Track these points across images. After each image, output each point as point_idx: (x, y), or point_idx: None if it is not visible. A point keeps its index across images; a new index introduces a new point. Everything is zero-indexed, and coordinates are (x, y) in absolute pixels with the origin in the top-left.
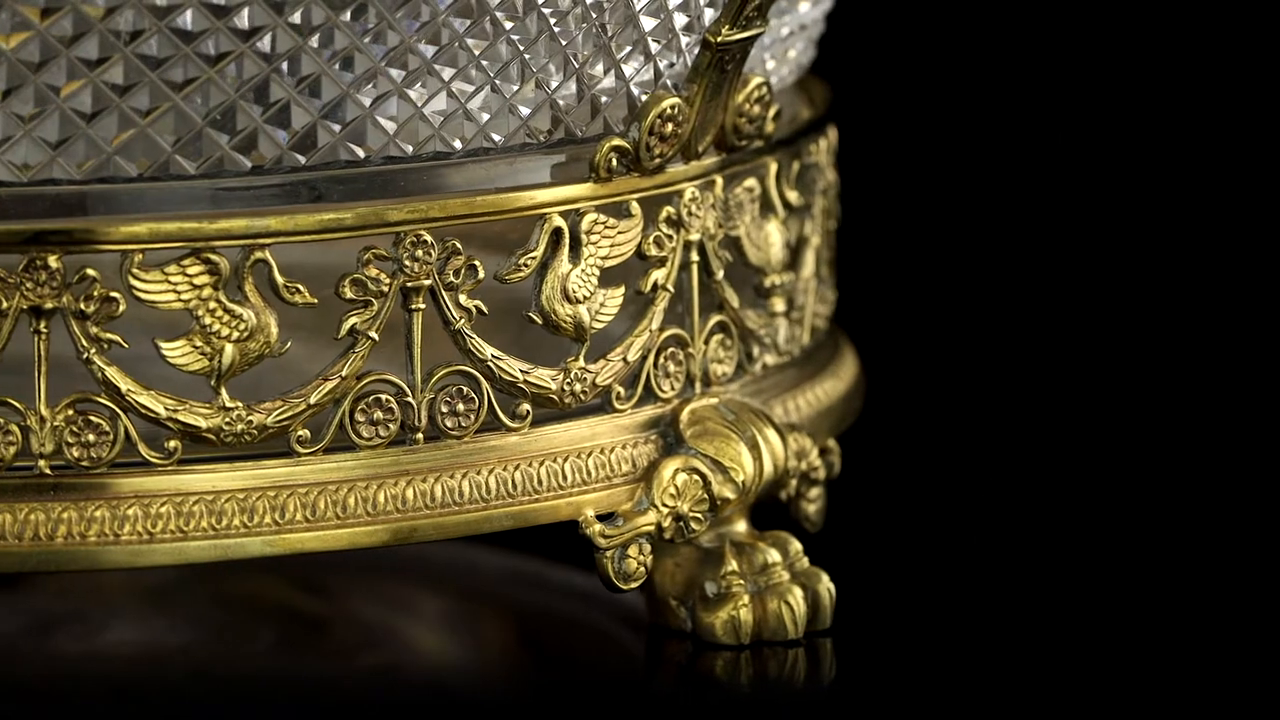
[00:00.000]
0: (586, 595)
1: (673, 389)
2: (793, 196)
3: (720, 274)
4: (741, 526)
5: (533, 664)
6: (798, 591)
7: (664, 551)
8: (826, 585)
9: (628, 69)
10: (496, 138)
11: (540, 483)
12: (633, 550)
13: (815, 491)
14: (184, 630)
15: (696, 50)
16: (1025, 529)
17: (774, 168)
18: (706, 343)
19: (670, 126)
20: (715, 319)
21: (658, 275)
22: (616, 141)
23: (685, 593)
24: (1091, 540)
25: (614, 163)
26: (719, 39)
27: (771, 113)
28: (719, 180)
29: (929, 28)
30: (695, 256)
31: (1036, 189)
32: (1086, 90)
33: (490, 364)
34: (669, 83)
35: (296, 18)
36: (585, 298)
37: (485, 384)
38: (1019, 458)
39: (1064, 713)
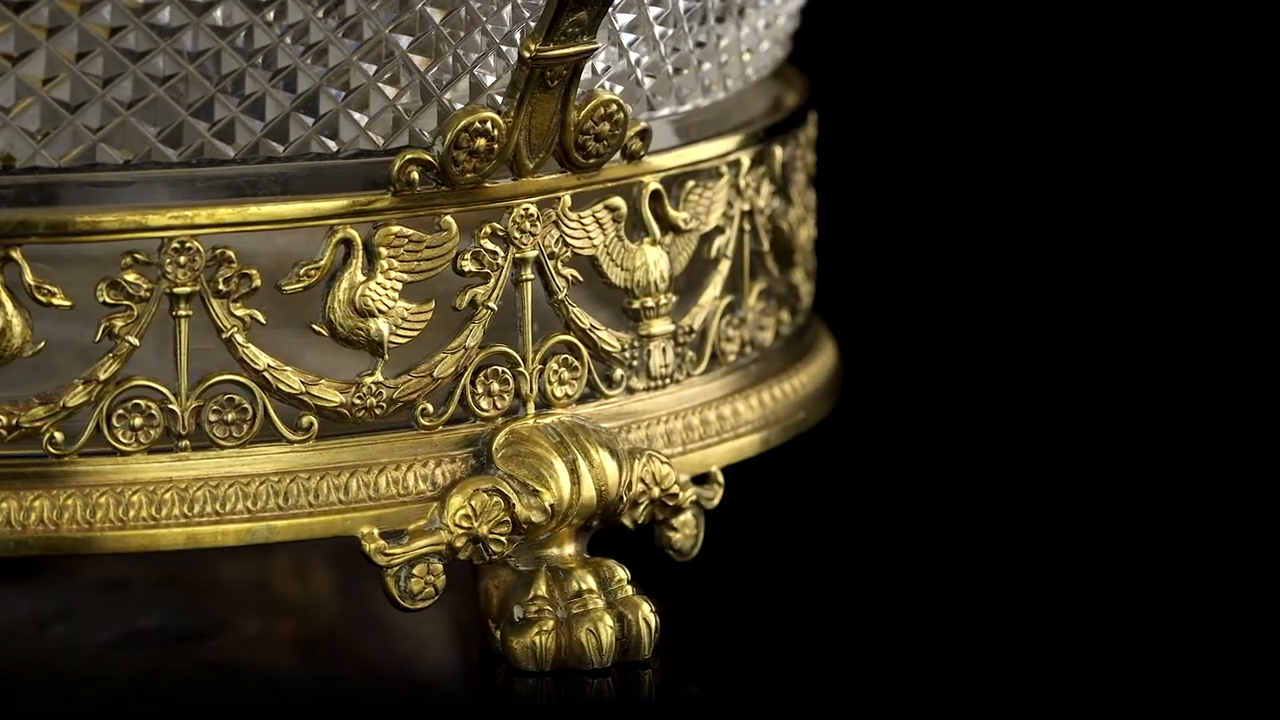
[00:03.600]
0: None
1: (495, 408)
2: (680, 218)
3: (563, 293)
4: (569, 550)
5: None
6: (608, 620)
7: (485, 573)
8: (644, 616)
9: (436, 81)
10: (277, 146)
11: (318, 496)
12: (419, 569)
13: (682, 519)
14: (152, 620)
15: None
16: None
17: (650, 188)
18: (544, 362)
19: (482, 141)
20: (557, 338)
21: (477, 292)
22: (414, 154)
23: (499, 615)
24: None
25: (414, 176)
26: (531, 54)
27: (632, 131)
28: (565, 198)
29: (911, 22)
30: (530, 274)
31: (1021, 187)
32: (1068, 84)
33: (266, 374)
34: (496, 97)
35: (103, 13)
36: (381, 311)
37: (261, 394)
38: (981, 477)
39: None
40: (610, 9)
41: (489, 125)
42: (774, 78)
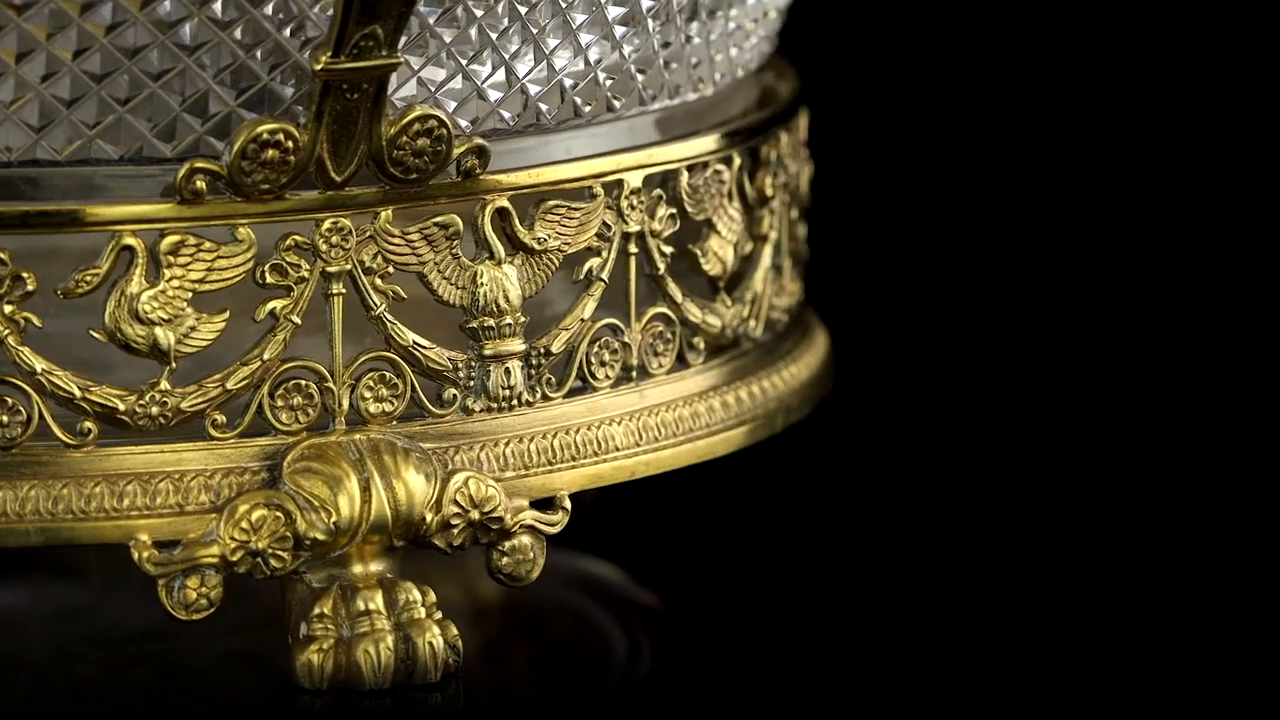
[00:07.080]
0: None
1: (298, 421)
2: (533, 238)
3: (380, 309)
4: (372, 568)
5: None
6: (389, 641)
7: (287, 587)
8: (431, 639)
9: (226, 92)
10: (51, 150)
11: (89, 502)
12: (192, 581)
13: (513, 544)
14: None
15: None
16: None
17: (494, 205)
18: (357, 378)
19: (273, 153)
20: (374, 354)
21: (276, 304)
22: (201, 163)
23: (295, 630)
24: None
25: (200, 185)
26: (321, 67)
27: (463, 147)
28: (385, 213)
29: (905, 17)
30: (340, 288)
31: (1014, 184)
32: (1059, 81)
33: (42, 378)
34: (300, 109)
35: None
36: (165, 320)
37: (36, 398)
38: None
39: None
40: (408, 24)
41: (280, 136)
42: (771, 78)
